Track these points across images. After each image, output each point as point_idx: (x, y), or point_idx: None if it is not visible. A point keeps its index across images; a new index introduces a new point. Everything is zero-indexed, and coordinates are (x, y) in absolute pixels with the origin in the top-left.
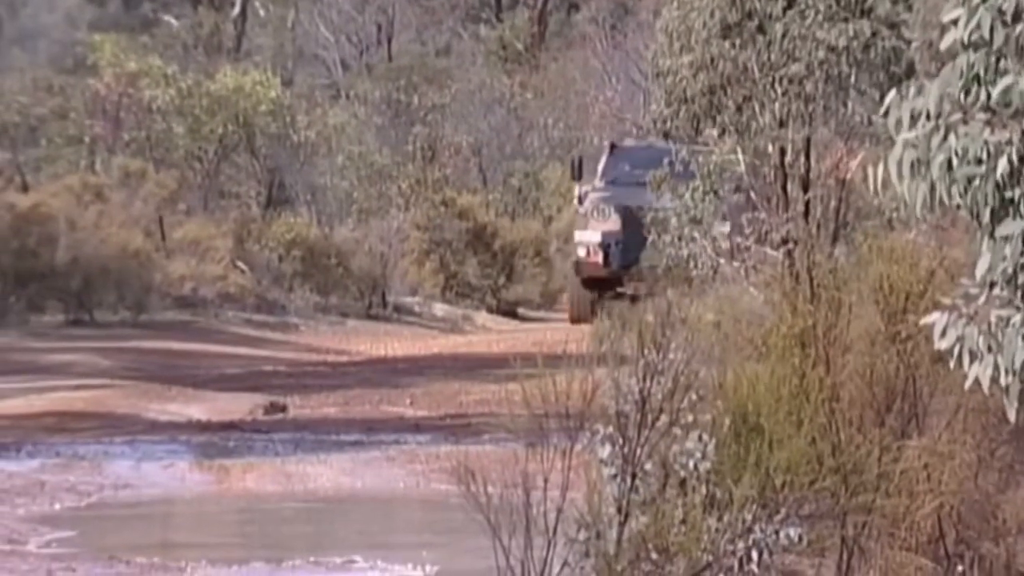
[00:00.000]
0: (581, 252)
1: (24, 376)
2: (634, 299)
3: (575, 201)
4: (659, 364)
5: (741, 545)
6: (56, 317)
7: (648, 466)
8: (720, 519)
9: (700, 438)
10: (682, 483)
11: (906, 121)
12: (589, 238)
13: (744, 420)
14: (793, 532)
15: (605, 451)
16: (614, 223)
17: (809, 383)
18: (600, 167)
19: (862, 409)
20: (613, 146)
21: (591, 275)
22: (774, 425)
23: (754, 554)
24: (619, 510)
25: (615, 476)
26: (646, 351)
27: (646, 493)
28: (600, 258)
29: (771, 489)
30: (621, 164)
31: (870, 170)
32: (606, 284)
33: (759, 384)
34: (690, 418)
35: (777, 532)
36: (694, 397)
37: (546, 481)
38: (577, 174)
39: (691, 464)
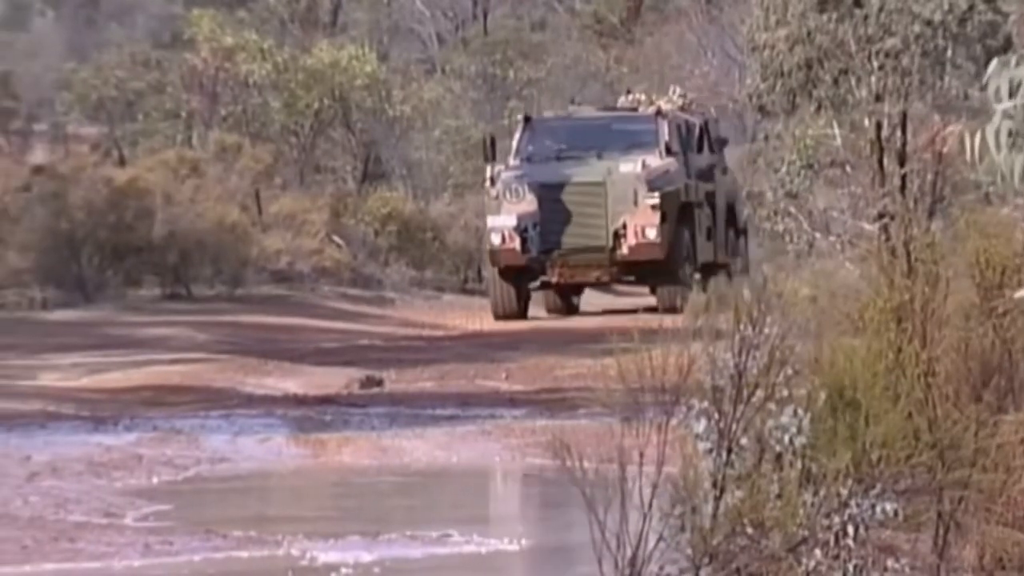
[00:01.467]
0: (495, 239)
1: (121, 350)
2: (561, 288)
3: (486, 184)
4: (755, 339)
5: (837, 520)
6: (152, 291)
7: (743, 441)
8: (815, 494)
9: (795, 413)
10: (777, 457)
11: (1005, 92)
12: (503, 223)
13: (840, 395)
14: (889, 507)
15: (700, 426)
16: (530, 203)
17: (905, 358)
18: (514, 144)
19: (958, 384)
20: (528, 119)
21: (509, 264)
22: (870, 400)
23: (850, 529)
24: (714, 484)
25: (710, 450)
26: (742, 326)
27: (741, 468)
28: (517, 244)
29: (867, 464)
30: (538, 139)
31: (967, 142)
32: (527, 273)
33: (855, 358)
34: (785, 393)
35: (873, 507)
36: (789, 372)
37: (641, 455)
38: (490, 154)
39: (786, 438)
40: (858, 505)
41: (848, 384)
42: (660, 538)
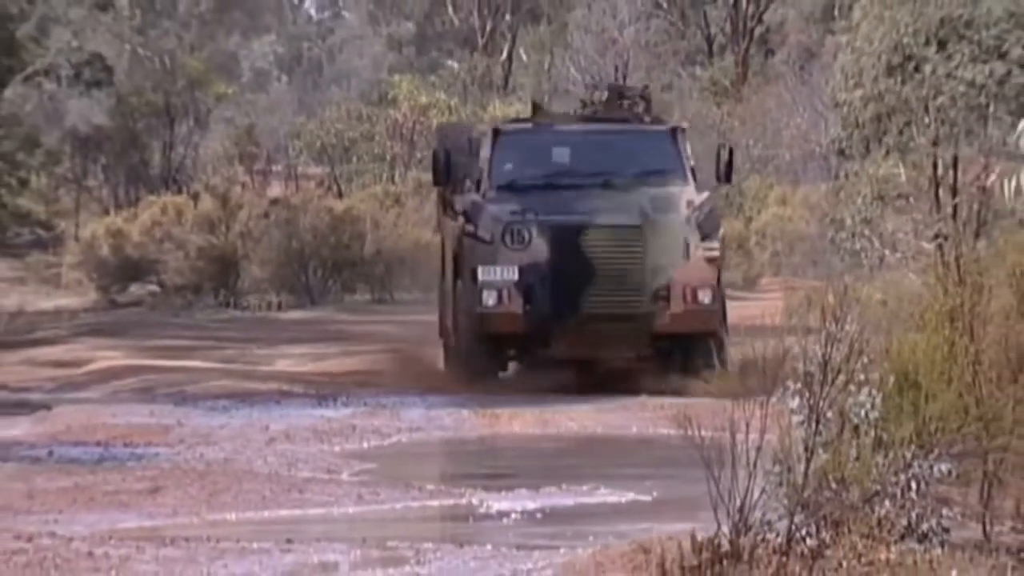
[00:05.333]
0: (489, 299)
1: (339, 342)
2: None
3: (456, 219)
4: (838, 334)
5: (902, 477)
6: (364, 296)
7: (829, 415)
8: (885, 456)
9: (870, 393)
10: (855, 428)
11: None
12: (501, 276)
13: (905, 378)
14: (944, 467)
15: (795, 403)
16: (537, 252)
17: (957, 349)
18: (484, 164)
19: (999, 370)
20: (496, 132)
21: (502, 331)
22: (929, 382)
23: (913, 484)
24: (805, 449)
25: (802, 422)
26: (827, 323)
27: (827, 436)
28: (519, 306)
29: (926, 433)
30: (515, 159)
31: (1005, 181)
32: (520, 342)
33: (917, 350)
34: (862, 377)
35: (931, 467)
36: (865, 360)
37: (747, 426)
38: (443, 175)
39: (863, 413)
40: (919, 466)
41: (911, 370)
42: (762, 492)
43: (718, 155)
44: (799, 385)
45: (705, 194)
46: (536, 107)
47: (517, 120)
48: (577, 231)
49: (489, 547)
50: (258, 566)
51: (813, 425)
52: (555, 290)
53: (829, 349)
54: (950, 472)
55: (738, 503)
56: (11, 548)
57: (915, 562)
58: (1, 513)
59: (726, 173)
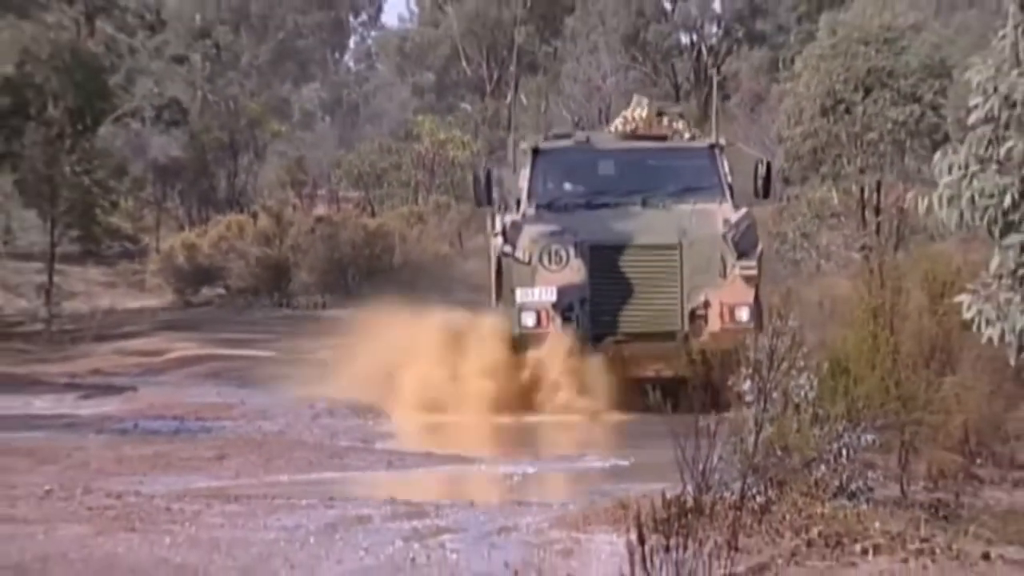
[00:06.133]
0: (528, 320)
1: None
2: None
3: (497, 238)
4: (782, 329)
5: (835, 446)
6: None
7: (774, 395)
8: (821, 429)
9: (808, 377)
10: (796, 406)
11: (945, 171)
12: (539, 298)
13: (837, 365)
14: (869, 438)
15: (747, 385)
16: (576, 272)
17: (879, 341)
18: (524, 183)
19: (914, 358)
20: (537, 151)
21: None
22: (856, 369)
23: (843, 452)
24: (755, 423)
25: (753, 402)
26: (772, 320)
27: (773, 412)
28: (558, 326)
29: (854, 410)
30: (556, 178)
31: (920, 202)
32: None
33: (847, 342)
34: (802, 364)
35: (859, 438)
36: (804, 350)
37: (707, 404)
38: (485, 196)
39: (802, 394)
40: (848, 436)
41: (842, 358)
42: (720, 458)
43: (756, 170)
44: (750, 370)
45: (743, 210)
46: (575, 122)
47: (557, 135)
48: (615, 250)
49: (495, 503)
50: (306, 519)
51: (761, 403)
52: (594, 311)
53: (775, 341)
54: (874, 442)
55: (700, 468)
56: (103, 504)
57: (845, 516)
58: (95, 475)
59: (764, 188)
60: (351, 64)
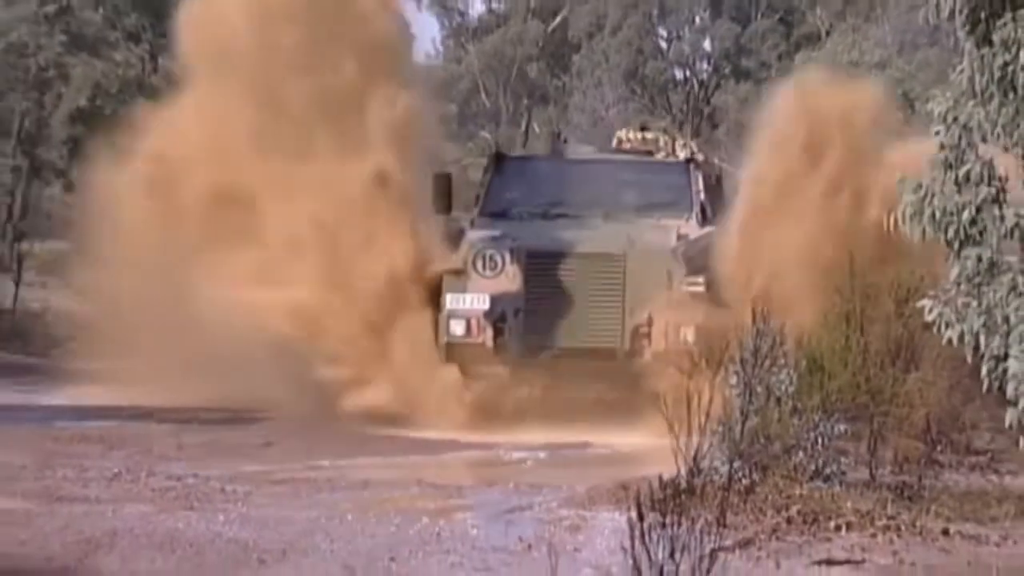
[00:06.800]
0: (457, 328)
1: None
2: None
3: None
4: (765, 330)
5: (812, 435)
6: None
7: (758, 389)
8: (799, 419)
9: (788, 373)
10: (778, 399)
11: (908, 190)
12: (470, 305)
13: (814, 362)
14: (842, 427)
15: (733, 380)
16: (511, 279)
17: (851, 341)
18: (480, 190)
19: (882, 356)
20: (499, 157)
21: (471, 364)
22: (831, 366)
23: (819, 440)
24: (741, 413)
25: (739, 394)
26: (758, 322)
27: (757, 404)
28: (488, 337)
29: (829, 403)
30: (514, 187)
31: (887, 218)
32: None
33: (823, 342)
34: (782, 361)
35: (832, 427)
36: (785, 349)
37: (699, 396)
38: (442, 203)
39: (783, 387)
40: (824, 426)
41: (818, 356)
42: (710, 445)
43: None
44: (737, 367)
45: (707, 229)
46: (555, 137)
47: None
48: (553, 258)
49: (511, 485)
50: (343, 499)
51: (747, 396)
52: (528, 321)
53: (759, 341)
54: (846, 431)
55: (692, 453)
56: (165, 486)
57: (821, 496)
58: (157, 460)
59: None
60: None
